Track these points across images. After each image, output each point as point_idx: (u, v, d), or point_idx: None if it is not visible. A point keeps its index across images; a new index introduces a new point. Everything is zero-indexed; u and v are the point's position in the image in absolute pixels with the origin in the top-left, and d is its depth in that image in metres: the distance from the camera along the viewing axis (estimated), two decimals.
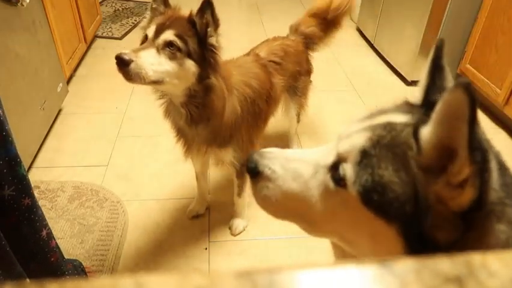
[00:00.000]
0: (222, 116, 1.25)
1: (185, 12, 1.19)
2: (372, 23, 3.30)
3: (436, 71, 0.54)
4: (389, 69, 3.04)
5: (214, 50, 1.14)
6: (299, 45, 1.73)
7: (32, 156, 1.95)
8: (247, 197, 1.67)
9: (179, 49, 1.09)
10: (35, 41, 2.00)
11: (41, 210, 1.06)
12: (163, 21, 1.13)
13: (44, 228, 1.05)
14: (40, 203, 1.14)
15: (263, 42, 1.68)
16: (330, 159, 0.52)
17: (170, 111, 1.28)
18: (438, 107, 0.41)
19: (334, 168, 0.50)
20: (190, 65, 1.12)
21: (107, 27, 3.46)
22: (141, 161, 2.03)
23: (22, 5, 1.77)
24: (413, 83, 2.82)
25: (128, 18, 3.68)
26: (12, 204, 0.94)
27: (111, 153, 2.06)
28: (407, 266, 0.24)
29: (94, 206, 1.75)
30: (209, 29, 1.12)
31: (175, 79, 1.12)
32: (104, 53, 3.06)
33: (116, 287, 0.23)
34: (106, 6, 3.90)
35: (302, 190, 0.53)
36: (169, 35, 1.09)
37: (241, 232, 1.66)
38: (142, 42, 1.14)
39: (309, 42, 1.78)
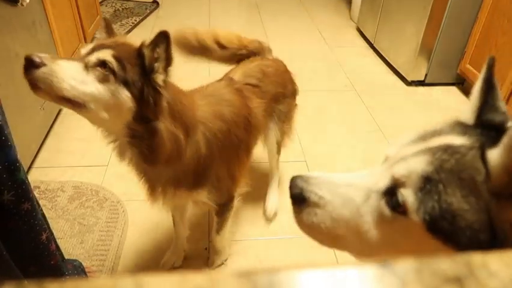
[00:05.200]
0: (179, 161, 1.08)
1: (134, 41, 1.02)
2: (372, 23, 3.30)
3: (489, 90, 0.51)
4: (389, 69, 3.04)
5: (158, 89, 0.95)
6: (280, 65, 1.55)
7: (32, 156, 1.95)
8: (227, 234, 1.51)
9: (113, 73, 0.89)
10: (35, 41, 2.00)
11: (41, 214, 1.06)
12: (104, 42, 0.98)
13: (44, 232, 1.05)
14: (40, 203, 1.14)
15: (239, 64, 1.49)
16: (382, 183, 0.49)
17: (124, 150, 1.07)
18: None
19: (389, 193, 0.48)
20: (125, 97, 0.91)
21: None
22: None
23: (22, 5, 1.77)
24: (413, 83, 2.82)
25: (128, 18, 3.68)
26: (11, 209, 0.93)
27: (111, 153, 2.05)
28: (407, 266, 0.24)
29: (94, 206, 1.75)
30: (156, 64, 0.93)
31: (103, 110, 0.91)
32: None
33: (116, 287, 0.23)
34: (106, 6, 3.90)
35: (354, 217, 0.50)
36: (105, 54, 0.90)
37: (219, 266, 1.54)
38: None
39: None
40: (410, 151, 0.48)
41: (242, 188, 1.40)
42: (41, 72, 0.84)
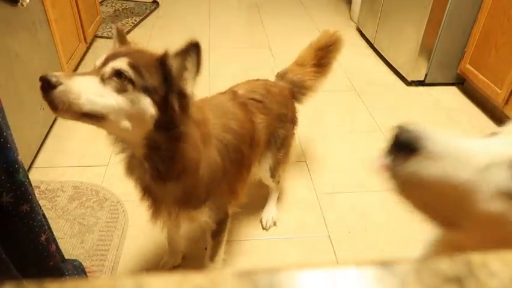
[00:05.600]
0: (196, 172, 1.03)
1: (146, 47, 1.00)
2: (372, 23, 3.30)
3: None
4: (389, 69, 3.04)
5: (187, 98, 0.92)
6: (284, 89, 1.54)
7: (32, 156, 1.95)
8: (222, 262, 1.42)
9: (131, 81, 0.85)
10: (35, 41, 2.00)
11: (41, 215, 1.06)
12: (117, 50, 0.93)
13: (43, 233, 1.05)
14: (40, 203, 1.14)
15: (244, 81, 1.49)
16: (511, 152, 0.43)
17: (133, 166, 1.03)
18: None
19: None
20: (146, 104, 0.87)
21: (107, 27, 3.46)
22: None
23: (22, 5, 1.77)
24: (413, 83, 2.82)
25: (128, 18, 3.68)
26: (10, 211, 0.93)
27: (111, 153, 2.06)
28: (407, 266, 0.24)
29: (94, 206, 1.75)
30: (186, 73, 0.90)
31: (125, 119, 0.87)
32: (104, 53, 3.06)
33: (116, 287, 0.23)
34: (106, 6, 3.90)
35: (467, 181, 0.44)
36: (119, 63, 0.86)
37: None
38: None
39: (297, 92, 1.63)
40: None
41: (237, 204, 1.34)
42: (58, 91, 0.81)
